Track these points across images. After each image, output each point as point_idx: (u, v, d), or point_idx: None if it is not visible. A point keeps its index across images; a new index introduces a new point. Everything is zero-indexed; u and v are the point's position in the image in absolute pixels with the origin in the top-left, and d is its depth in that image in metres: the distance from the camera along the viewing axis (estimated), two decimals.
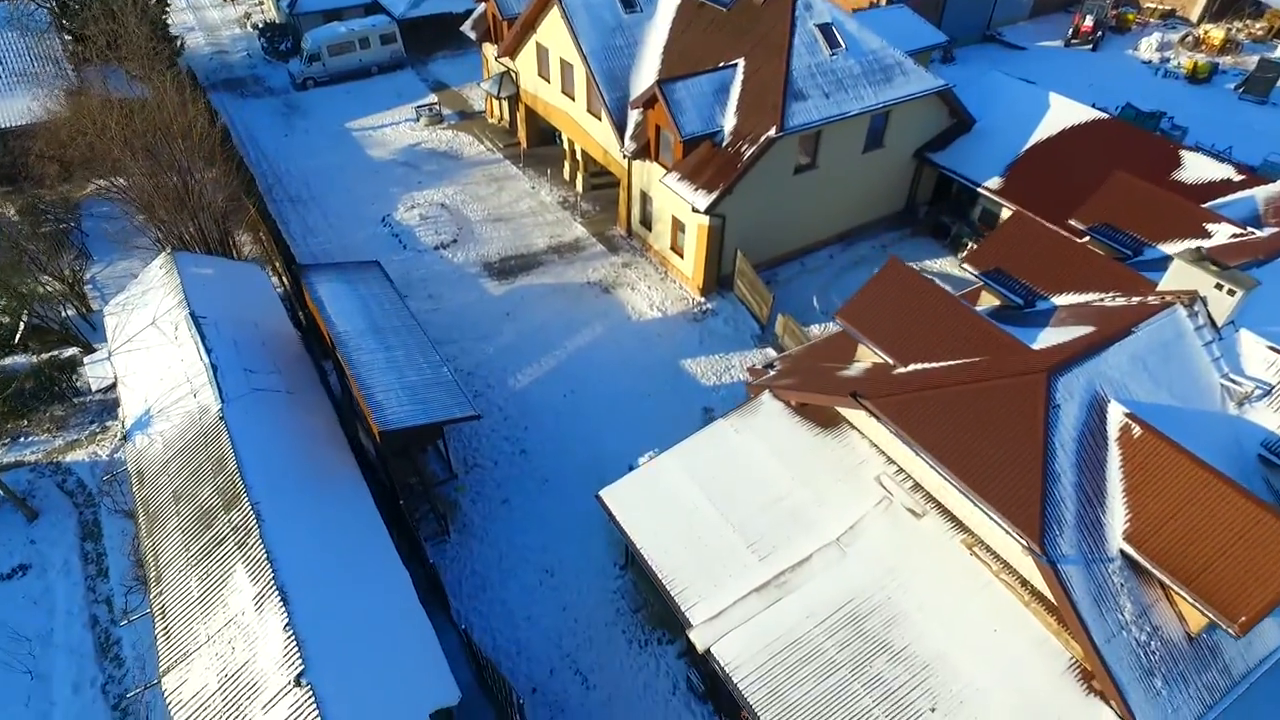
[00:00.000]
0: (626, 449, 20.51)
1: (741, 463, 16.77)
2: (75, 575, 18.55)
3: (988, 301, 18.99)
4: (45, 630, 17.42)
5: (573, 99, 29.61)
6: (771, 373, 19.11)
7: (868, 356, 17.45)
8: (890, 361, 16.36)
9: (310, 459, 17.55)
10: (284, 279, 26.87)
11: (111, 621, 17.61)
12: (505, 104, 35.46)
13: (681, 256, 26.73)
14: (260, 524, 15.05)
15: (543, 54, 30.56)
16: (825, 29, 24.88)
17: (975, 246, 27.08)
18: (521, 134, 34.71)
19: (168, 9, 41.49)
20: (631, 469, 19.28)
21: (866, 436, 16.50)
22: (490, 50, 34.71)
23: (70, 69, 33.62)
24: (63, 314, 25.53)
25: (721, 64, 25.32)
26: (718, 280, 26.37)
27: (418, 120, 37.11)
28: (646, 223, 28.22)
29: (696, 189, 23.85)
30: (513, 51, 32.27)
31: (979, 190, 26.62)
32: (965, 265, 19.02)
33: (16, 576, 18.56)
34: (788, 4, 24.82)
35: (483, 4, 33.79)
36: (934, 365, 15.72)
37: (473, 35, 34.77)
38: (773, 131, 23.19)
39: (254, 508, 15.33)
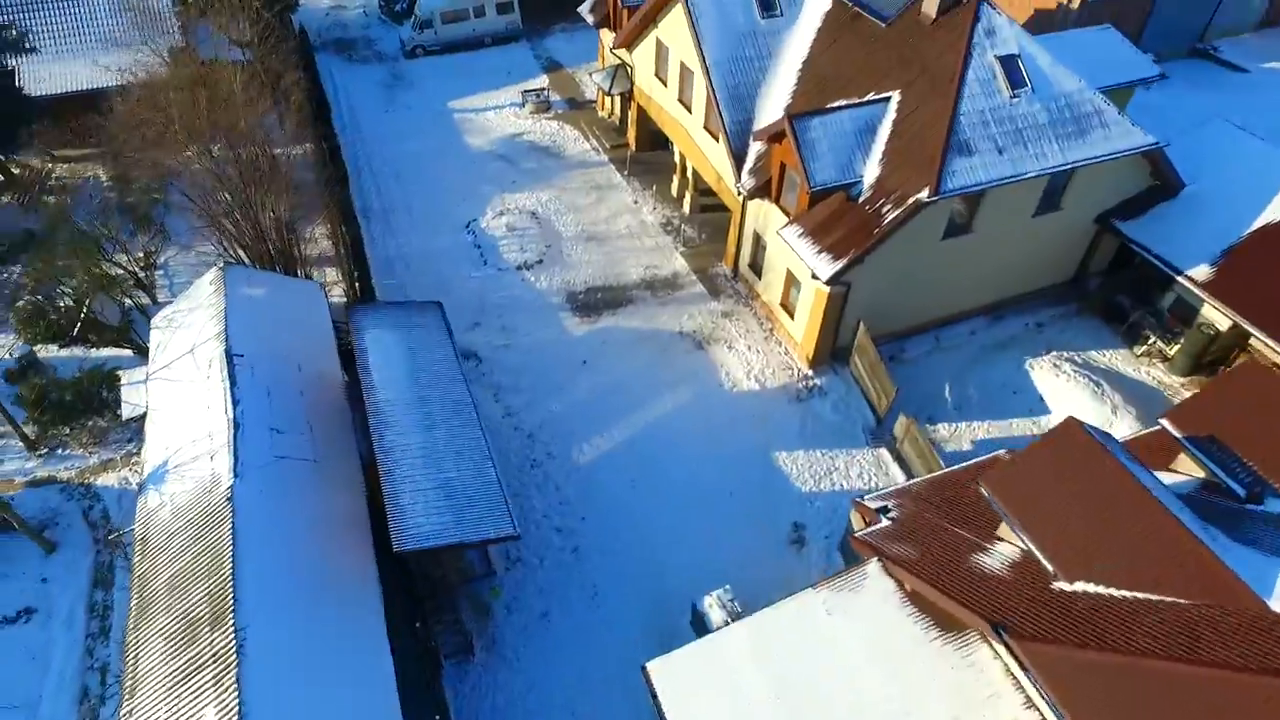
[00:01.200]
0: (695, 570, 17.22)
1: (829, 658, 13.17)
2: (78, 630, 17.07)
3: (1182, 471, 14.43)
4: (34, 698, 15.97)
5: (689, 110, 25.68)
6: (884, 520, 15.24)
7: (1016, 538, 13.35)
8: (1050, 569, 12.26)
9: (322, 555, 15.14)
10: (351, 286, 24.66)
11: (100, 699, 15.99)
12: (617, 99, 31.81)
13: (792, 317, 22.76)
14: (240, 660, 12.69)
15: (662, 52, 26.64)
16: (1009, 63, 19.92)
17: (1163, 349, 21.95)
18: (631, 135, 31.06)
19: None
20: (695, 612, 16.03)
21: (1002, 658, 12.54)
22: (607, 37, 30.99)
23: (177, 26, 32.19)
24: (126, 303, 24.24)
25: (870, 96, 20.82)
26: (832, 352, 22.32)
27: (523, 106, 33.99)
28: (756, 268, 24.29)
29: (820, 251, 19.76)
30: (630, 44, 28.47)
31: (1178, 277, 21.22)
32: (1164, 423, 14.43)
33: (20, 621, 17.25)
34: (964, 25, 19.98)
35: None
36: (1114, 593, 11.54)
37: (590, 20, 31.07)
38: (925, 194, 18.74)
39: (238, 635, 12.99)
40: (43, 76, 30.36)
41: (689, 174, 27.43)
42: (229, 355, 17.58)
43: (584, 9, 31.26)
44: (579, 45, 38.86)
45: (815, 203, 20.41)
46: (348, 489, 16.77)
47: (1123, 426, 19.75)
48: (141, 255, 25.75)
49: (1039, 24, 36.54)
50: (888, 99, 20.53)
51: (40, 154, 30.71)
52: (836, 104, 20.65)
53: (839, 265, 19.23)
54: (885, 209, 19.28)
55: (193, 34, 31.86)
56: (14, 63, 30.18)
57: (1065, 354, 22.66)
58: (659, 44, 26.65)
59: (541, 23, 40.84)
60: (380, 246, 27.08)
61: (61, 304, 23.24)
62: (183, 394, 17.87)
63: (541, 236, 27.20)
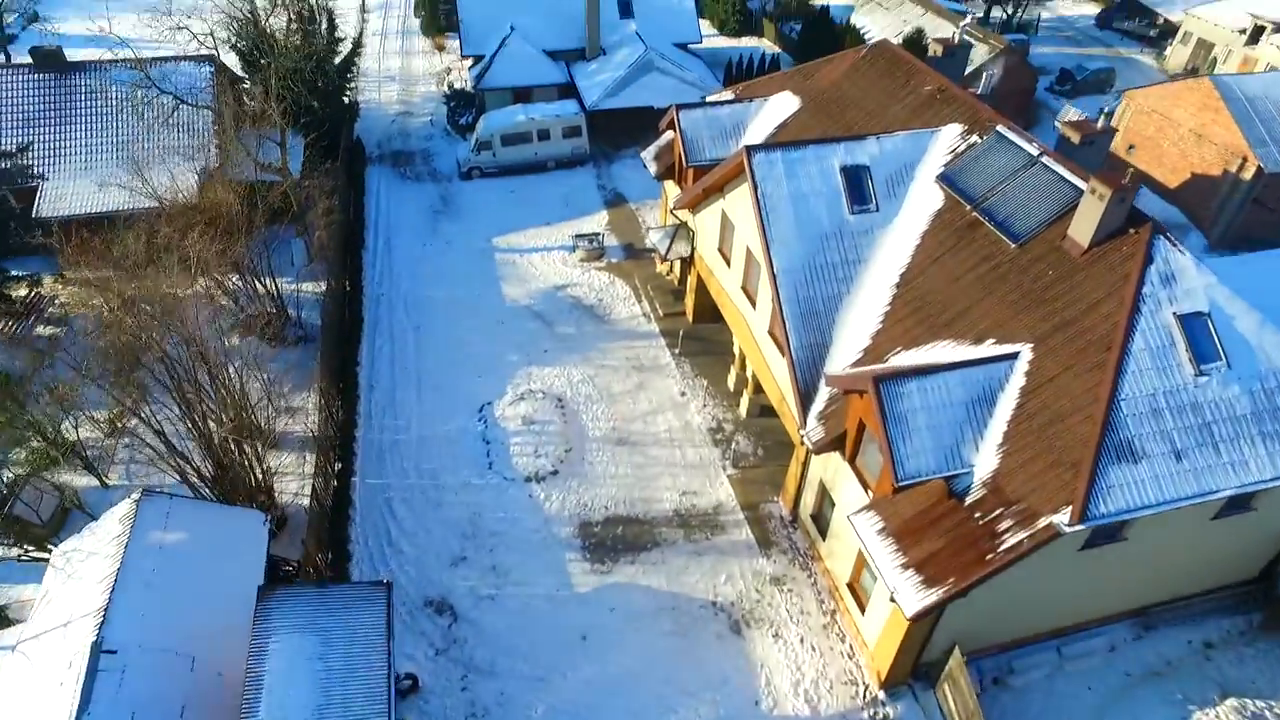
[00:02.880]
0: None
1: None
2: None
3: None
4: None
5: (753, 305, 20.83)
6: None
7: None
8: None
9: None
10: (326, 485, 20.50)
11: None
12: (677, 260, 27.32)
13: (863, 610, 17.12)
14: None
15: (728, 227, 22.04)
16: (1195, 326, 14.23)
17: None
18: (689, 304, 26.40)
19: (352, 75, 37.65)
20: None
21: None
22: (671, 189, 26.73)
23: (214, 146, 29.72)
24: (63, 486, 20.75)
25: (989, 346, 15.44)
26: (914, 669, 16.52)
27: (574, 251, 29.94)
28: (821, 525, 18.85)
29: (906, 565, 14.23)
30: (693, 207, 24.01)
31: None
32: None
33: None
34: (1131, 266, 14.50)
35: (670, 133, 25.80)
36: None
37: (652, 169, 26.90)
38: (1066, 519, 13.08)
39: None
40: (62, 195, 28.23)
41: (748, 372, 22.43)
42: (96, 651, 13.38)
43: (646, 156, 27.13)
44: (648, 175, 34.82)
45: (903, 487, 14.96)
46: None
47: None
48: (114, 414, 22.48)
49: (1196, 194, 30.37)
50: (1014, 356, 15.08)
51: (54, 274, 28.45)
52: (941, 361, 15.29)
53: (930, 599, 13.64)
54: (1003, 526, 13.67)
55: (235, 153, 29.24)
56: (36, 182, 28.30)
57: (1249, 702, 16.20)
58: (725, 217, 22.08)
59: (612, 145, 37.21)
60: (375, 429, 23.01)
61: None
62: (33, 688, 13.74)
63: (563, 435, 22.54)
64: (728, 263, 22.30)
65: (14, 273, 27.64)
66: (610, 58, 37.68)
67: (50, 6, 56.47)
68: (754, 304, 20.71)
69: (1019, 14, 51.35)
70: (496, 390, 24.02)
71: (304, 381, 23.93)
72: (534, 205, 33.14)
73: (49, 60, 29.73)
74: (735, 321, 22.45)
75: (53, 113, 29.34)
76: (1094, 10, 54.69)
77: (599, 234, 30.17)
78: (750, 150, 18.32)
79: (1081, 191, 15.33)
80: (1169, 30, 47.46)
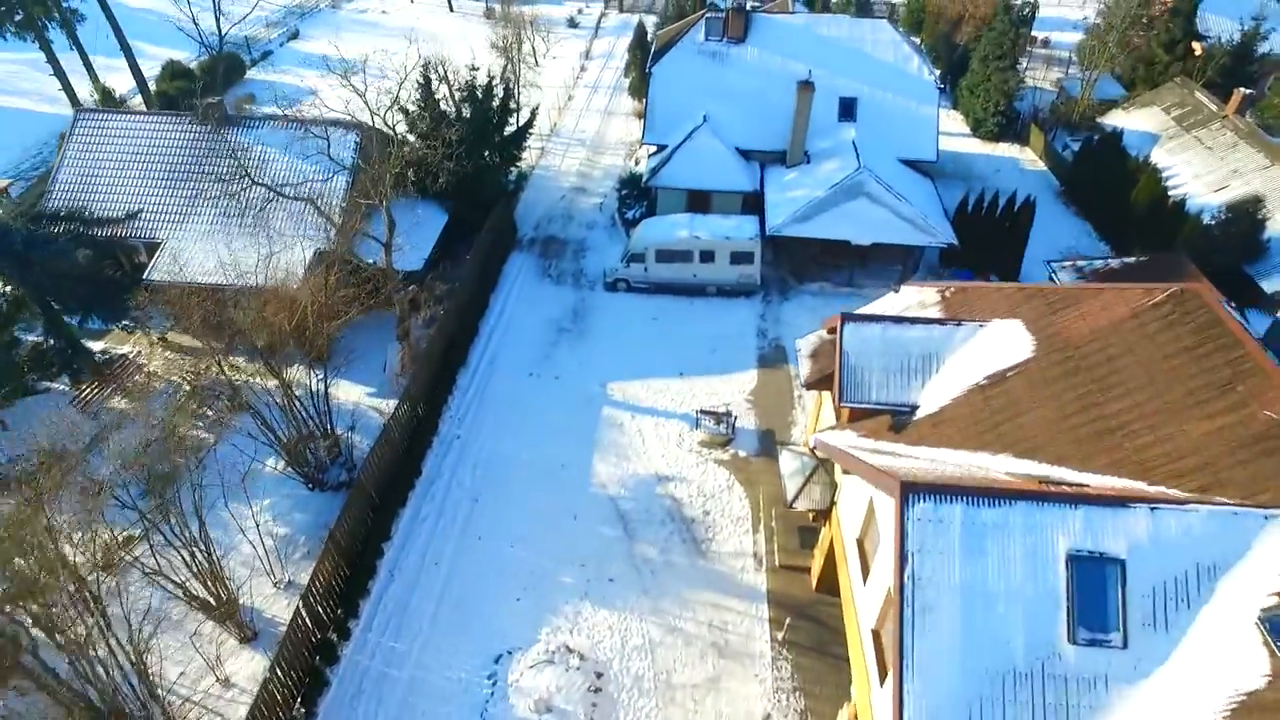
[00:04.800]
0: None
1: None
2: None
3: None
4: None
5: (881, 677, 13.27)
6: None
7: None
8: None
9: None
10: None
11: None
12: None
13: None
14: None
15: (871, 524, 14.62)
16: None
17: None
18: (816, 567, 19.06)
19: (522, 147, 33.87)
20: None
21: None
22: (825, 408, 19.53)
23: (330, 228, 26.65)
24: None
25: None
26: None
27: (696, 427, 23.54)
28: None
29: None
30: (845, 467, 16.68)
31: None
32: None
33: None
34: None
35: (829, 335, 18.55)
36: None
37: (804, 371, 19.76)
38: None
39: None
40: (180, 257, 26.41)
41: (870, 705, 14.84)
42: None
43: (802, 349, 20.00)
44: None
45: None
46: None
47: None
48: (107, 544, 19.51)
49: None
50: None
51: (149, 334, 26.89)
52: None
53: None
54: None
55: (359, 231, 26.01)
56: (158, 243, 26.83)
57: None
58: (871, 510, 14.67)
59: (794, 272, 30.34)
60: (370, 648, 18.11)
61: None
62: None
63: None
64: (864, 572, 14.85)
65: (119, 325, 26.35)
66: (814, 168, 30.69)
67: (312, 24, 59.43)
68: (881, 677, 13.16)
69: None
70: (527, 634, 18.21)
71: (319, 548, 19.64)
72: (673, 344, 27.10)
73: (210, 112, 28.34)
74: (854, 642, 14.97)
75: (195, 168, 27.83)
76: None
77: (731, 415, 23.48)
78: (908, 491, 10.98)
79: None
80: None
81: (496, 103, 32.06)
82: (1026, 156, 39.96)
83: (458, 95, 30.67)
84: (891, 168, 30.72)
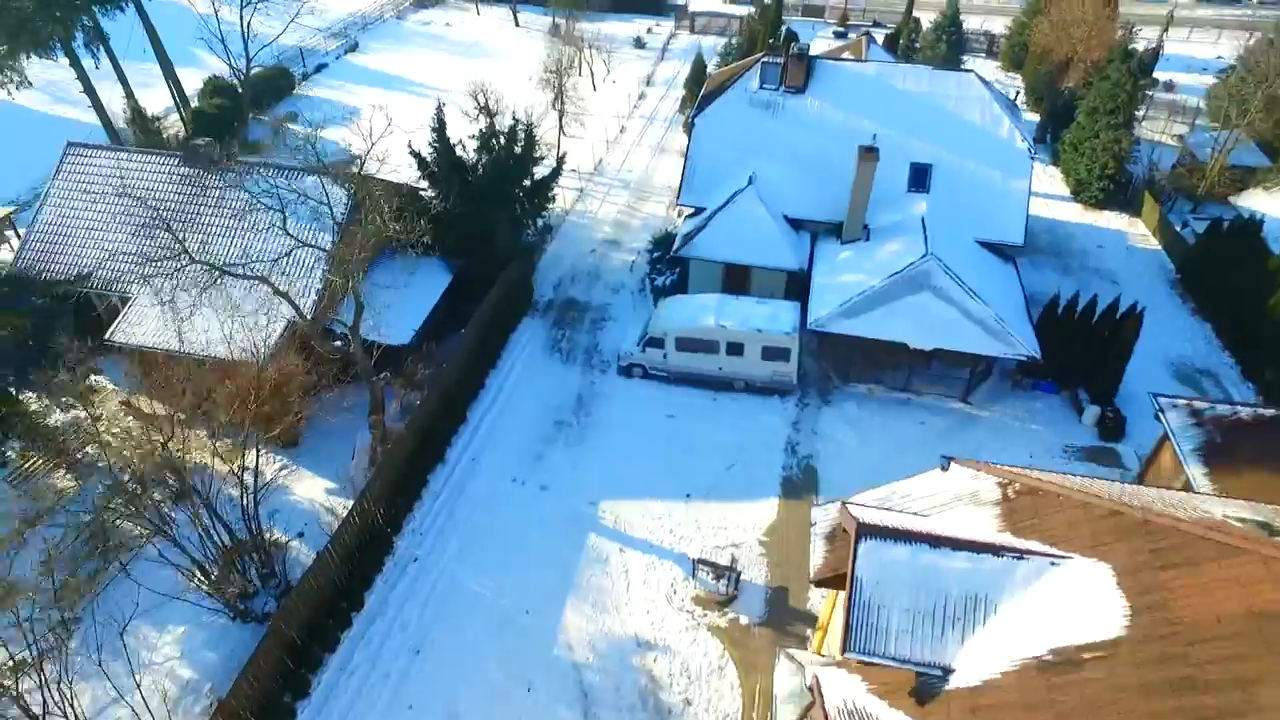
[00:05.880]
0: None
1: None
2: None
3: None
4: None
5: None
6: None
7: None
8: None
9: None
10: None
11: None
12: None
13: None
14: None
15: None
16: None
17: None
18: None
19: (553, 193, 30.49)
20: None
21: None
22: (836, 611, 15.20)
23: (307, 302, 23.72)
24: None
25: None
26: None
27: (692, 577, 19.52)
28: None
29: None
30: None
31: None
32: None
33: None
34: None
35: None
36: None
37: (813, 563, 15.40)
38: None
39: None
40: (143, 321, 23.97)
41: None
42: None
43: (817, 531, 15.69)
44: (872, 450, 23.08)
45: None
46: None
47: None
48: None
49: None
50: None
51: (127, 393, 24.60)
52: None
53: None
54: None
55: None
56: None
57: None
58: None
59: (840, 369, 25.92)
60: None
61: None
62: None
63: None
64: None
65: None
66: (874, 247, 26.08)
67: (373, 35, 57.64)
68: None
69: None
70: None
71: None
72: (684, 453, 23.14)
73: (196, 155, 25.85)
74: None
75: (180, 215, 25.27)
76: None
77: (736, 568, 19.31)
78: None
79: None
80: None
81: (520, 149, 28.71)
82: (1137, 230, 34.14)
83: (479, 138, 27.50)
84: (966, 252, 25.88)
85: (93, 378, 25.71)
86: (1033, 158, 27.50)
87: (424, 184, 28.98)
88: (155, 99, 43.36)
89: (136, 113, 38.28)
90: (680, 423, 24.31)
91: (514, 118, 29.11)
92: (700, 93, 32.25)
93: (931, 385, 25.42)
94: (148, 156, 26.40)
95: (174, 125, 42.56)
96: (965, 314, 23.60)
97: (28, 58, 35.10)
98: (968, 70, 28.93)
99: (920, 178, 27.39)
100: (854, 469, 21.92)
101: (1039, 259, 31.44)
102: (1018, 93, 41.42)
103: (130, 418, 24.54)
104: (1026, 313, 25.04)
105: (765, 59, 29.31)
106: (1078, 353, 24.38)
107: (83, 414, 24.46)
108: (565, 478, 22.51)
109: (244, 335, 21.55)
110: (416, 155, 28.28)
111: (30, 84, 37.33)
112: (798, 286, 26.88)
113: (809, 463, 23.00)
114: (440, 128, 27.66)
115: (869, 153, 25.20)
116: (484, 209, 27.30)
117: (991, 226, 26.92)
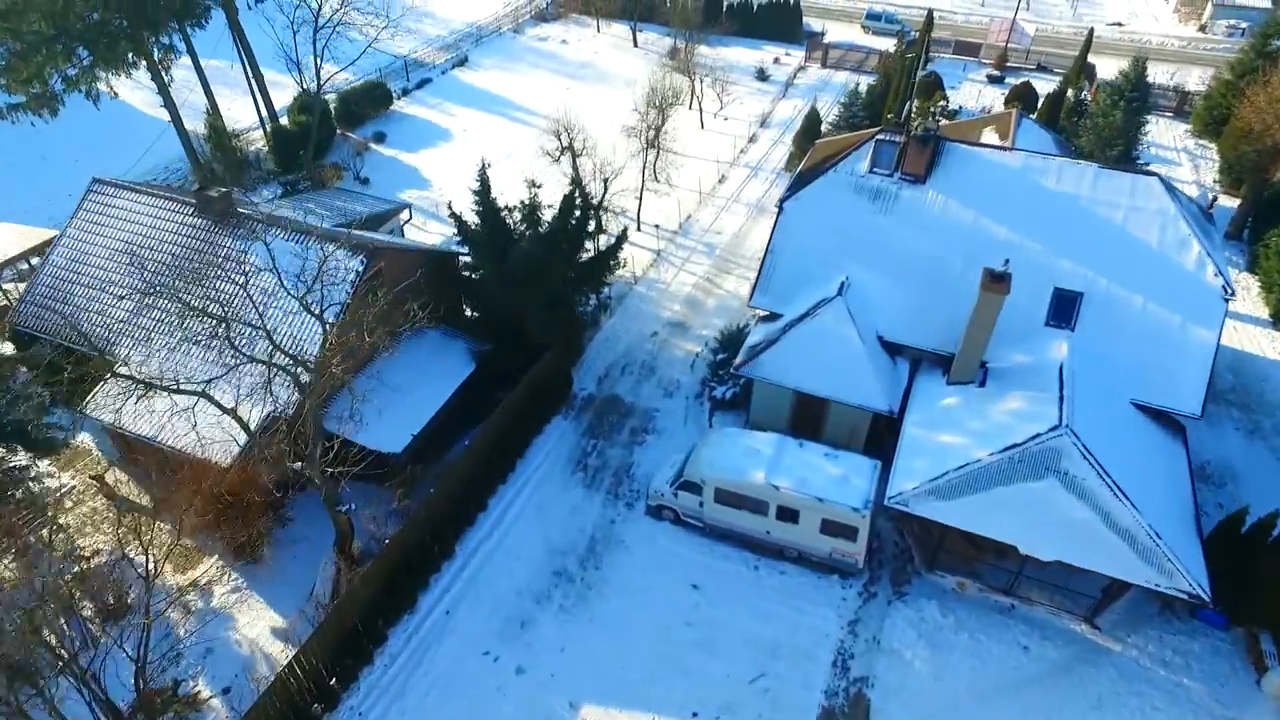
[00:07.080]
0: None
1: None
2: None
3: None
4: None
5: None
6: None
7: None
8: None
9: None
10: None
11: None
12: None
13: None
14: None
15: None
16: None
17: None
18: None
19: (618, 263, 26.27)
20: None
21: None
22: None
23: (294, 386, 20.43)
24: None
25: None
26: None
27: None
28: None
29: None
30: None
31: None
32: None
33: None
34: None
35: None
36: None
37: None
38: None
39: None
40: (116, 397, 21.36)
41: None
42: None
43: None
44: (950, 672, 17.33)
45: None
46: None
47: None
48: None
49: None
50: None
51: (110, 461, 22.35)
52: None
53: None
54: None
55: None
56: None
57: None
58: None
59: (925, 555, 20.17)
60: None
61: None
62: None
63: None
64: None
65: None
66: (989, 397, 20.08)
67: (485, 50, 55.23)
68: None
69: None
70: None
71: None
72: (702, 645, 18.26)
73: (209, 205, 23.17)
74: None
75: (188, 270, 22.70)
76: None
77: None
78: None
79: None
80: None
81: (574, 221, 24.54)
82: None
83: (522, 209, 23.59)
84: (1116, 421, 19.52)
85: (79, 438, 23.84)
86: (1228, 299, 20.55)
87: (464, 248, 25.47)
88: (248, 111, 42.32)
89: (214, 129, 36.97)
90: (706, 597, 19.39)
91: (574, 180, 24.96)
92: (801, 162, 26.91)
93: (1047, 593, 19.30)
94: (162, 203, 23.97)
95: (258, 140, 41.31)
96: (1104, 518, 17.40)
97: (116, 75, 34.27)
98: (1150, 173, 22.11)
99: (1065, 309, 21.05)
100: (921, 713, 16.33)
101: (1216, 411, 24.25)
102: (1214, 199, 33.30)
103: (101, 496, 22.27)
104: (1195, 521, 18.43)
105: (880, 135, 23.69)
106: (1265, 584, 17.66)
107: (68, 481, 22.59)
108: (548, 661, 18.12)
109: (214, 428, 18.65)
110: (456, 217, 24.68)
111: (116, 94, 36.63)
112: (884, 433, 21.29)
113: (861, 689, 17.55)
114: (484, 190, 23.88)
115: (997, 280, 19.20)
116: (521, 293, 23.33)
117: (1156, 385, 20.25)
